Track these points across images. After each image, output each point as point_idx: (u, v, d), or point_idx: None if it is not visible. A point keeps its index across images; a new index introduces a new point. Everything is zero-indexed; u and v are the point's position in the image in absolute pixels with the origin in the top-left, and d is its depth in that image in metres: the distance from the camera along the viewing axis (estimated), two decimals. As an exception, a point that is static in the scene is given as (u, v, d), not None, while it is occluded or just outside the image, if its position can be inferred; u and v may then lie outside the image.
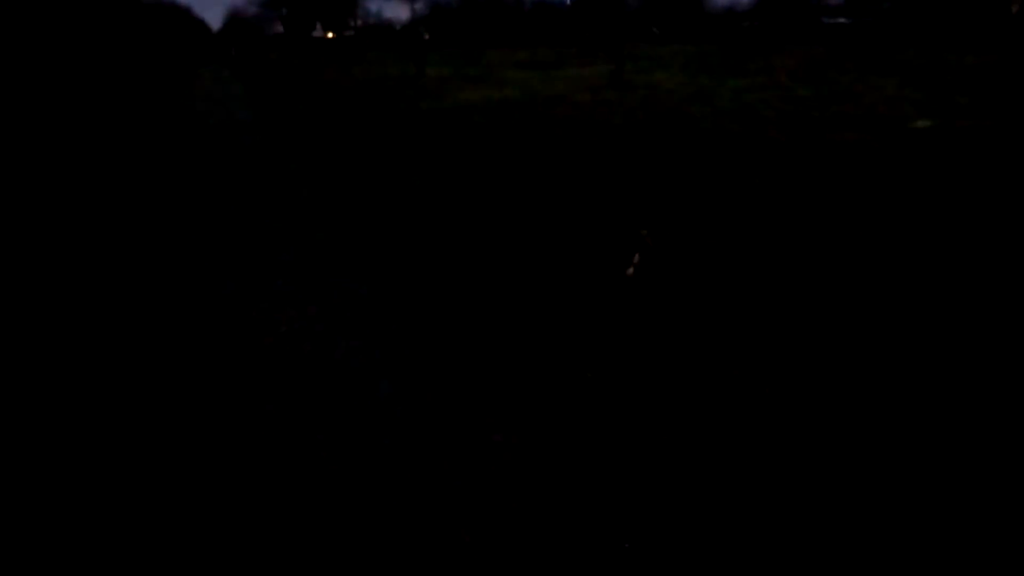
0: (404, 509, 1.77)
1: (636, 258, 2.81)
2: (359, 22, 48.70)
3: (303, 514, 1.77)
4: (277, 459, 1.96)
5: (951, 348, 2.43)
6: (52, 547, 1.72)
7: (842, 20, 28.63)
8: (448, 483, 1.84)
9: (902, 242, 3.41)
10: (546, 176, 4.95)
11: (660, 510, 1.75)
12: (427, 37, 22.22)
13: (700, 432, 1.98)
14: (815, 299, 2.70)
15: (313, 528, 1.75)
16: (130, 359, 2.54)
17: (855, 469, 1.88)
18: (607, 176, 4.85)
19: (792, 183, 4.55)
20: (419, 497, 1.81)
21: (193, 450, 2.02)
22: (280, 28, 48.61)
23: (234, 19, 49.89)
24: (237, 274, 3.30)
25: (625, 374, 2.15)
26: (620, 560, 1.65)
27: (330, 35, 49.22)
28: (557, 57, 19.74)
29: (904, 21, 26.53)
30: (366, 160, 6.05)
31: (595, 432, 2.00)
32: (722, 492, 1.78)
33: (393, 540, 1.69)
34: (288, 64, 23.07)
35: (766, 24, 28.21)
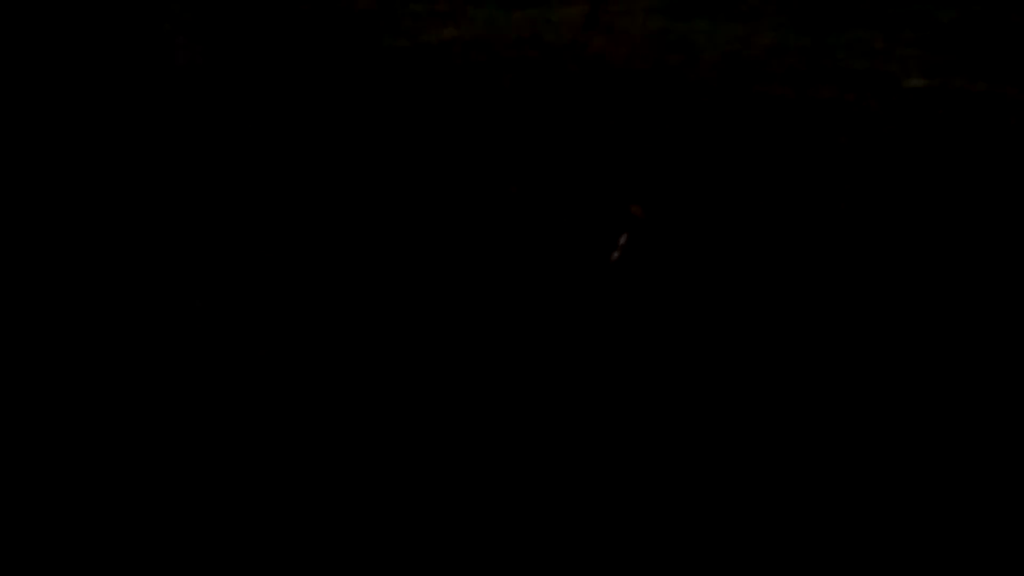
0: None
1: (623, 239, 2.39)
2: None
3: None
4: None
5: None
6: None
7: (821, -32, 28.01)
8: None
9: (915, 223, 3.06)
10: (505, 138, 4.49)
11: None
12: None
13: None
14: (828, 276, 2.34)
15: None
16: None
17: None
18: (580, 136, 4.42)
19: (795, 148, 4.15)
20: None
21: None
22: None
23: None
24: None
25: (608, 396, 1.76)
26: None
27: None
28: (530, -5, 18.97)
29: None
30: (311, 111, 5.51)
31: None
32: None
33: None
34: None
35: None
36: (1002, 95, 5.81)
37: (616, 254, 2.36)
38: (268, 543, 1.57)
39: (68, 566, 1.51)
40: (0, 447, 1.87)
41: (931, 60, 7.55)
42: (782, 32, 10.62)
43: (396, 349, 2.04)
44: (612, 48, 8.36)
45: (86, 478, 1.76)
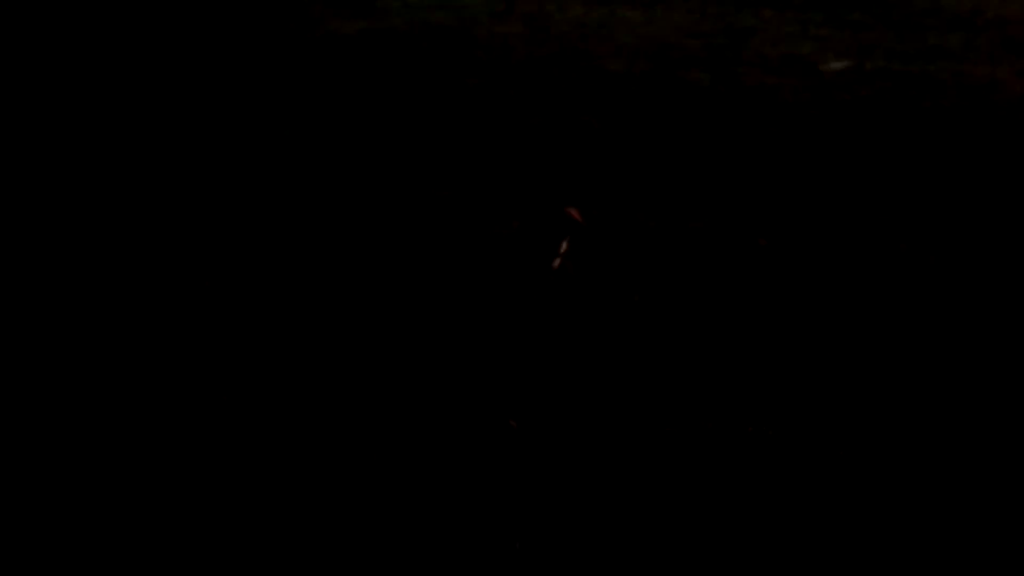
0: None
1: (564, 245, 2.25)
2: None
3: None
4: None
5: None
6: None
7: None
8: None
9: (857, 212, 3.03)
10: (431, 135, 4.32)
11: None
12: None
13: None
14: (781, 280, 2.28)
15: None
16: None
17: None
18: (511, 133, 4.28)
19: (723, 139, 4.09)
20: None
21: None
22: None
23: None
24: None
25: (563, 417, 1.65)
26: None
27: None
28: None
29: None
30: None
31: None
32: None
33: None
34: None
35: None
36: (921, 74, 5.88)
37: (557, 261, 2.22)
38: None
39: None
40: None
41: (846, 41, 7.62)
42: (695, 17, 10.65)
43: (334, 363, 1.92)
44: (532, 37, 8.22)
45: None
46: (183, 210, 3.08)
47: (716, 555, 1.39)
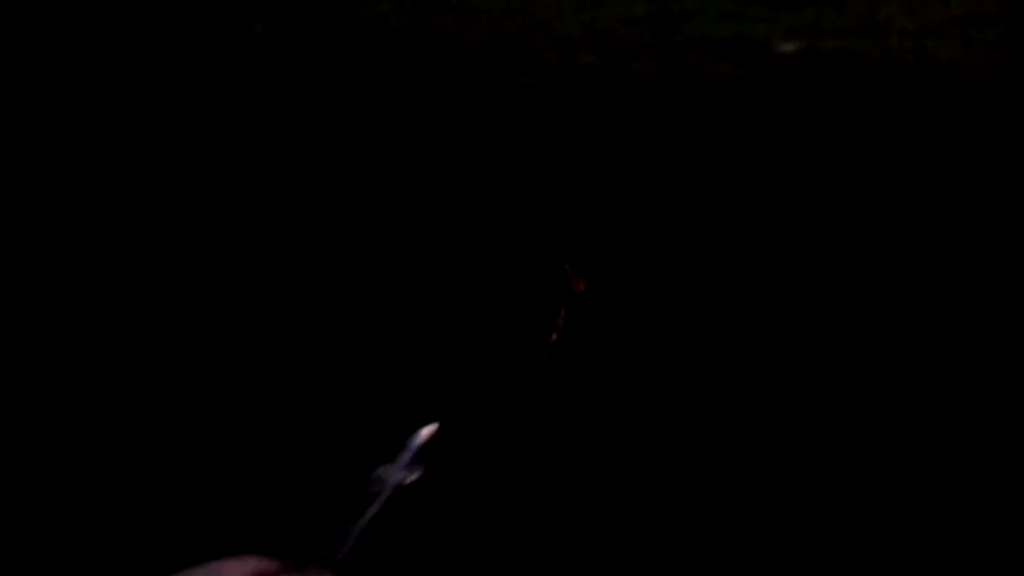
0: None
1: (561, 315, 1.75)
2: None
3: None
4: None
5: None
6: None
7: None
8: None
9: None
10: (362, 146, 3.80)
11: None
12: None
13: None
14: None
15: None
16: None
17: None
18: (453, 146, 3.79)
19: (688, 148, 3.69)
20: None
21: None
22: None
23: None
24: None
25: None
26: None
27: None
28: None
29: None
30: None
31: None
32: None
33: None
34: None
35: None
36: (886, 54, 5.55)
37: (554, 336, 1.73)
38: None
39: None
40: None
41: (793, 21, 7.28)
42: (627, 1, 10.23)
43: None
44: (461, 32, 7.63)
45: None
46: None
47: None
